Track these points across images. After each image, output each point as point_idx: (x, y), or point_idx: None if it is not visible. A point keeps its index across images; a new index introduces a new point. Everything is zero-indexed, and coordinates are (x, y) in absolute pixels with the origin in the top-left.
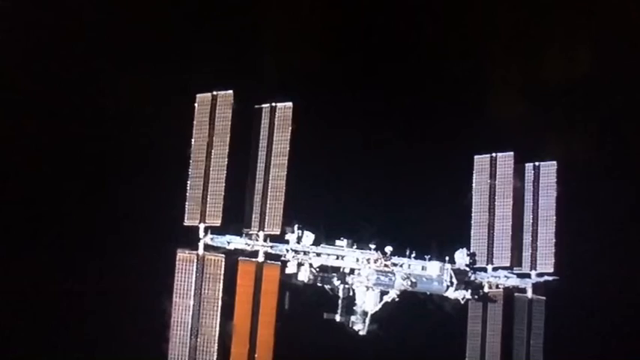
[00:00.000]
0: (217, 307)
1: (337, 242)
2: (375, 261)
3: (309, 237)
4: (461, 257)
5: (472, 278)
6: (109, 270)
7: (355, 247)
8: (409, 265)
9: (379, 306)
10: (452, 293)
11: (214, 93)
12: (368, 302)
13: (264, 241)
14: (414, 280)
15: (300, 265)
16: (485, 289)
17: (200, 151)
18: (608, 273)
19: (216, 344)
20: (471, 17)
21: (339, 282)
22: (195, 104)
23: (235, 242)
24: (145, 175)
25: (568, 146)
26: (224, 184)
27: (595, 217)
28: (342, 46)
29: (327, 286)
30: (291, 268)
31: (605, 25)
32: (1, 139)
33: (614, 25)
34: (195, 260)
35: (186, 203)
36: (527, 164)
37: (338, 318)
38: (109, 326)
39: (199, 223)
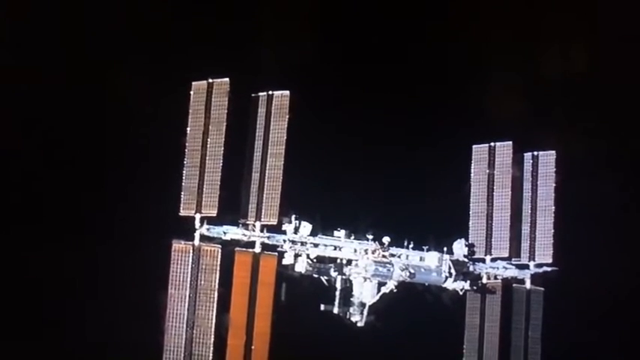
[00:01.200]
0: (213, 298)
1: (336, 233)
2: (373, 252)
3: (306, 227)
4: (459, 248)
5: (471, 269)
6: (104, 261)
7: (353, 237)
8: (407, 256)
9: (377, 297)
10: (450, 284)
11: (210, 81)
12: (365, 293)
13: (261, 231)
14: (412, 271)
15: (297, 255)
16: (484, 280)
17: (196, 140)
18: (606, 263)
19: (212, 336)
20: (470, 8)
21: (337, 273)
22: (191, 92)
23: (232, 233)
24: (140, 165)
25: (567, 135)
26: (220, 174)
27: (594, 208)
28: (341, 35)
29: (324, 278)
30: (288, 259)
31: (603, 15)
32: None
33: (612, 15)
34: (191, 251)
35: (182, 193)
36: (525, 154)
37: (335, 309)
38: (104, 318)
39: (195, 213)
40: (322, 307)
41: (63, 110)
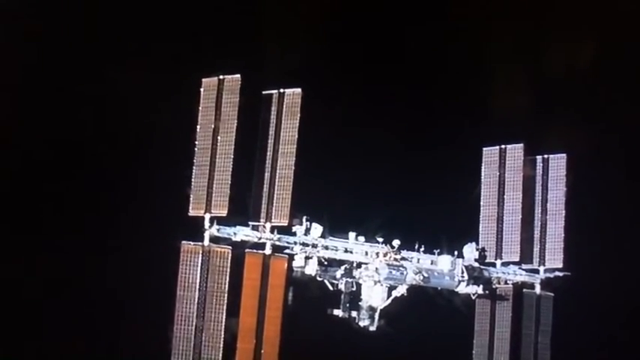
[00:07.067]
0: (223, 300)
1: (350, 235)
2: (385, 255)
3: (317, 229)
4: (469, 251)
5: (483, 273)
6: (112, 262)
7: (363, 240)
8: (418, 260)
9: (388, 301)
10: (463, 288)
11: (221, 77)
12: (375, 297)
13: (271, 232)
14: (426, 275)
15: (307, 258)
16: (494, 285)
17: (206, 138)
18: (617, 269)
19: (221, 339)
20: (481, 9)
21: (347, 276)
22: (201, 89)
23: (242, 233)
24: (149, 164)
25: (578, 138)
26: (230, 173)
27: (605, 212)
28: (354, 33)
29: (332, 281)
30: (298, 262)
31: (616, 15)
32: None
33: (624, 14)
34: (201, 252)
35: (191, 193)
36: (536, 157)
37: (344, 314)
38: (113, 319)
39: (205, 213)
40: (330, 311)
41: (71, 110)
